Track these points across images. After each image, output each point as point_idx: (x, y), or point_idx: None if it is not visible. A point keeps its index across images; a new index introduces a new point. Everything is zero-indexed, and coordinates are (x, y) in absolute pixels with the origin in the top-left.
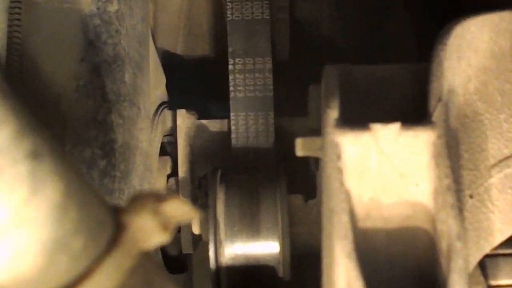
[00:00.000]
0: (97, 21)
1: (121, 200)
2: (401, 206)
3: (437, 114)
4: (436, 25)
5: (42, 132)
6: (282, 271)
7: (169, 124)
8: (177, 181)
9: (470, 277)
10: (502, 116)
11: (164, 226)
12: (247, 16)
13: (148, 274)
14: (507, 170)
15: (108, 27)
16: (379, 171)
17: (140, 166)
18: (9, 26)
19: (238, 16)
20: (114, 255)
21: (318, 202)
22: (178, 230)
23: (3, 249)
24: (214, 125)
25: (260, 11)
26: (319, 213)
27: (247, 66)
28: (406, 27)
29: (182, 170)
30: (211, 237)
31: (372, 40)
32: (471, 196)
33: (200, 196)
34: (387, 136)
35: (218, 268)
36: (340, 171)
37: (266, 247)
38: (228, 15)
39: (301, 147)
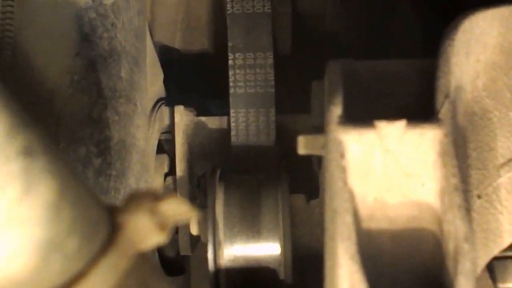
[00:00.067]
0: (92, 14)
1: (117, 199)
2: (407, 206)
3: (444, 112)
4: (443, 20)
5: (35, 128)
6: (283, 274)
7: (166, 121)
8: (174, 180)
9: (478, 280)
10: (511, 114)
11: (161, 226)
12: (247, 10)
13: (144, 276)
14: None
15: (104, 20)
16: (384, 170)
17: (137, 164)
18: (2, 19)
19: (238, 9)
20: (109, 256)
21: (321, 202)
22: (176, 231)
23: None
24: (213, 122)
25: (261, 4)
26: (321, 214)
27: (248, 61)
28: (412, 22)
29: (180, 169)
30: (210, 238)
31: (377, 35)
32: (479, 197)
33: (198, 195)
34: (392, 134)
35: (217, 270)
36: (343, 170)
37: (266, 249)
38: (228, 8)
39: (303, 145)
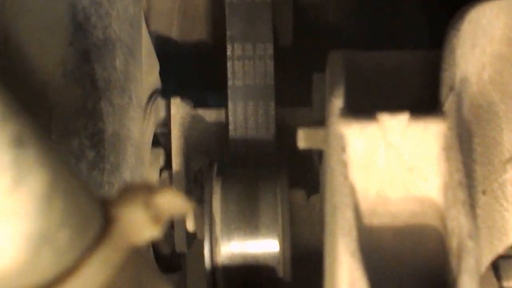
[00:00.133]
0: (86, 3)
1: (111, 194)
2: (409, 202)
3: (448, 104)
4: (449, 10)
5: (26, 118)
6: (282, 272)
7: (162, 113)
8: (170, 175)
9: (482, 279)
10: None
11: (156, 220)
12: None
13: (138, 270)
14: None
15: (98, 8)
16: (386, 164)
17: (131, 158)
18: None
19: None
20: (102, 249)
21: (321, 198)
22: (172, 227)
23: None
24: (210, 115)
25: None
26: (322, 210)
27: (247, 52)
28: (418, 12)
29: (176, 163)
30: (207, 235)
31: (381, 26)
32: (484, 193)
33: (195, 191)
34: (395, 127)
35: (214, 267)
36: (344, 164)
37: (265, 246)
38: None
39: (304, 139)
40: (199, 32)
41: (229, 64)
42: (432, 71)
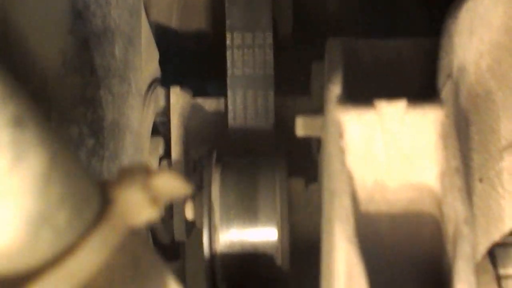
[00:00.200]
0: None
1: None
2: (406, 189)
3: (446, 92)
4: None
5: (26, 99)
6: (280, 259)
7: (162, 102)
8: (170, 164)
9: (479, 266)
10: None
11: (154, 202)
12: None
13: (135, 252)
14: None
15: None
16: (384, 151)
17: (131, 146)
18: None
19: None
20: (101, 230)
21: (320, 186)
22: (171, 216)
23: None
24: (210, 104)
25: None
26: (320, 198)
27: (246, 41)
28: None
29: (175, 152)
30: (205, 223)
31: (381, 15)
32: (480, 180)
33: (194, 179)
34: (393, 114)
35: (213, 255)
36: (342, 150)
37: (264, 234)
38: None
39: (302, 126)
40: (198, 21)
41: (228, 53)
42: (430, 59)
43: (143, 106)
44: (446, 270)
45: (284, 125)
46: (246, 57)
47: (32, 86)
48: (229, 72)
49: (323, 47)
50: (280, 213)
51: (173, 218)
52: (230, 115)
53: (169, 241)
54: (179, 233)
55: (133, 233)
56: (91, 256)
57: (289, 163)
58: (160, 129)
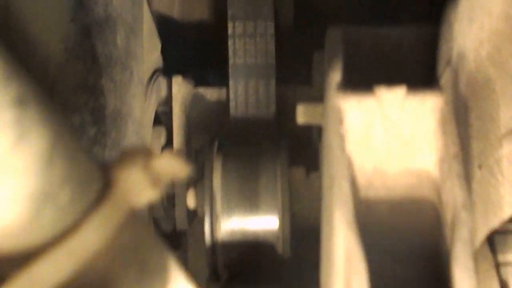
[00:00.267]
0: None
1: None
2: (406, 175)
3: (445, 79)
4: None
5: (28, 79)
6: (281, 248)
7: (164, 92)
8: None
9: (478, 253)
10: None
11: (155, 182)
12: None
13: (136, 232)
14: None
15: None
16: (384, 138)
17: (133, 135)
18: None
19: None
20: (102, 210)
21: (321, 175)
22: (172, 205)
23: None
24: (212, 93)
25: None
26: (321, 187)
27: (248, 30)
28: None
29: (177, 141)
30: (207, 211)
31: (382, 5)
32: (480, 167)
33: (196, 169)
34: (392, 101)
35: (214, 244)
36: (341, 137)
37: (265, 222)
38: None
39: (303, 114)
40: (200, 11)
41: (230, 42)
42: (431, 47)
43: (145, 95)
44: (445, 255)
45: (286, 114)
46: (248, 46)
47: (34, 73)
48: (230, 61)
49: (325, 37)
50: (281, 201)
51: (175, 207)
52: (232, 104)
53: (171, 230)
54: (181, 222)
55: (134, 214)
56: (93, 236)
57: (290, 152)
58: (162, 118)
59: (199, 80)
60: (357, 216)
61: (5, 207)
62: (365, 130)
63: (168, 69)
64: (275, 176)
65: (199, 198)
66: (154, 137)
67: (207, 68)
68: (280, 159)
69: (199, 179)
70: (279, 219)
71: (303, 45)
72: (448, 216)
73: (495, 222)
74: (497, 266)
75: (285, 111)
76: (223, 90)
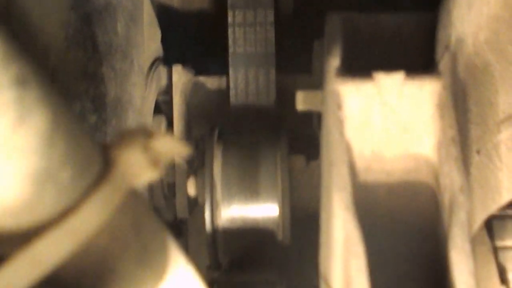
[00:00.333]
0: None
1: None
2: (404, 159)
3: (443, 64)
4: None
5: (29, 59)
6: (281, 235)
7: (164, 81)
8: None
9: (476, 238)
10: None
11: (154, 162)
12: None
13: (137, 213)
14: None
15: None
16: (382, 122)
17: (133, 123)
18: None
19: None
20: (103, 189)
21: (320, 160)
22: (173, 194)
23: None
24: (212, 82)
25: None
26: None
27: (248, 18)
28: None
29: (177, 130)
30: (207, 198)
31: None
32: (478, 152)
33: (197, 157)
34: (391, 86)
35: (215, 231)
36: (340, 121)
37: (265, 210)
38: None
39: (302, 101)
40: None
41: (230, 30)
42: (430, 34)
43: (146, 85)
44: (443, 238)
45: (286, 102)
46: (248, 35)
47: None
48: (230, 50)
49: (324, 25)
50: (281, 189)
51: (175, 196)
52: (232, 93)
53: (172, 219)
54: (181, 211)
55: (134, 195)
56: (93, 215)
57: (290, 140)
58: (162, 107)
59: (199, 69)
60: (356, 200)
61: (6, 187)
62: (364, 115)
63: (168, 58)
64: (275, 164)
65: (200, 186)
66: (154, 126)
67: (207, 57)
68: (280, 147)
69: (199, 167)
70: (279, 206)
71: (303, 33)
72: (445, 199)
73: (492, 207)
74: (495, 251)
75: (285, 100)
76: (223, 79)
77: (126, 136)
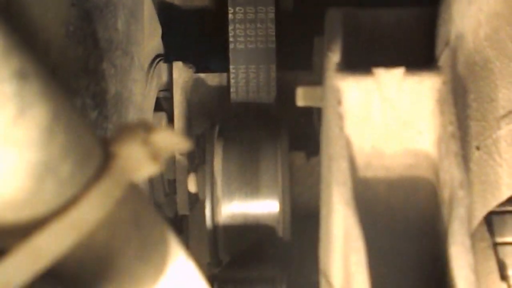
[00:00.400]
0: None
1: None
2: (404, 155)
3: (443, 59)
4: None
5: (29, 52)
6: (282, 231)
7: (164, 78)
8: None
9: (476, 234)
10: None
11: (154, 156)
12: None
13: (136, 207)
14: None
15: None
16: (382, 118)
17: (134, 120)
18: None
19: None
20: (103, 183)
21: (320, 155)
22: (174, 190)
23: None
24: (212, 79)
25: None
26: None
27: (248, 15)
28: None
29: (178, 127)
30: (208, 195)
31: None
32: (478, 148)
33: (197, 154)
34: (391, 82)
35: (215, 227)
36: (340, 116)
37: (265, 206)
38: None
39: (302, 97)
40: None
41: (230, 27)
42: (430, 28)
43: (146, 81)
44: (442, 233)
45: (286, 99)
46: (248, 31)
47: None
48: (231, 46)
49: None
50: (281, 185)
51: (176, 193)
52: (232, 89)
53: (173, 215)
54: (182, 207)
55: (134, 189)
56: (93, 208)
57: (291, 137)
58: (163, 104)
59: (200, 65)
60: (356, 196)
61: (7, 179)
62: (364, 110)
63: (169, 55)
64: (276, 161)
65: (200, 182)
66: (155, 123)
67: (208, 53)
68: (281, 144)
69: (200, 164)
70: (280, 203)
71: (303, 30)
72: (445, 194)
73: (492, 202)
74: (495, 246)
75: (286, 96)
76: (224, 75)
77: (126, 130)
